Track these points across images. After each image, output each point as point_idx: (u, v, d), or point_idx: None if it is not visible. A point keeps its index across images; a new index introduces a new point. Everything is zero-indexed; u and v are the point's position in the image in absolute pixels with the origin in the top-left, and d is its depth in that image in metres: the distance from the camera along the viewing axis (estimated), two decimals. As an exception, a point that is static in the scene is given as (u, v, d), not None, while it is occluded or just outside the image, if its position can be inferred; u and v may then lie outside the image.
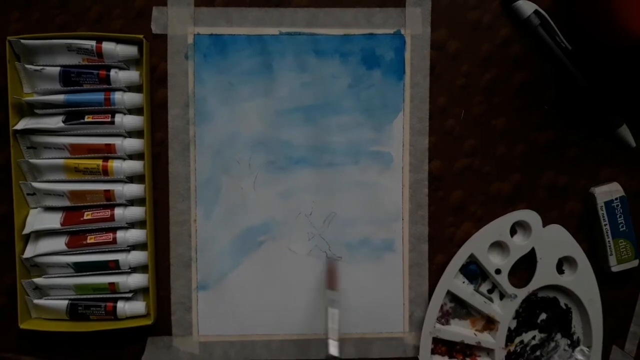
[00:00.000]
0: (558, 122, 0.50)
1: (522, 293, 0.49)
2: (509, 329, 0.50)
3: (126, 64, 0.47)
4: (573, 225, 0.50)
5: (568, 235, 0.49)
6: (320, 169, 0.49)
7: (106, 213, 0.46)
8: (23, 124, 0.45)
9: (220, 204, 0.49)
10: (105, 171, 0.46)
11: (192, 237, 0.49)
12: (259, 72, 0.48)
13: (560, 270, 0.50)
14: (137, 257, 0.47)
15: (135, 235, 0.47)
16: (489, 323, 0.50)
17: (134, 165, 0.47)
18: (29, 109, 0.46)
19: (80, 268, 0.46)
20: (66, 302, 0.47)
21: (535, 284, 0.49)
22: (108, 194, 0.46)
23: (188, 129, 0.48)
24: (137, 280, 0.47)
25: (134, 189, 0.47)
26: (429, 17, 0.48)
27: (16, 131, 0.45)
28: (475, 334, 0.50)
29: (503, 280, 0.49)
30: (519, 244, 0.49)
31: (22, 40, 0.45)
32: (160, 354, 0.49)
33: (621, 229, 0.49)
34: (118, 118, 0.46)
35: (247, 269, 0.49)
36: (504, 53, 0.49)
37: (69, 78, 0.46)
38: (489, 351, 0.50)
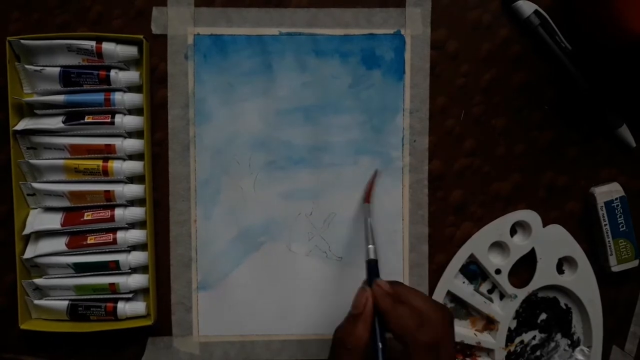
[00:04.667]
0: (558, 122, 0.50)
1: (522, 293, 0.49)
2: (509, 329, 0.50)
3: (126, 64, 0.46)
4: (573, 225, 0.50)
5: (568, 235, 0.49)
6: (320, 169, 0.49)
7: (106, 213, 0.46)
8: (23, 124, 0.45)
9: (220, 204, 0.49)
10: (105, 172, 0.46)
11: (192, 237, 0.49)
12: (259, 72, 0.48)
13: (560, 270, 0.50)
14: (138, 257, 0.47)
15: (136, 235, 0.47)
16: (489, 323, 0.50)
17: (134, 166, 0.47)
18: (29, 110, 0.46)
19: (81, 268, 0.46)
20: (66, 302, 0.47)
21: (535, 284, 0.49)
22: (108, 195, 0.46)
23: (188, 129, 0.48)
24: (137, 280, 0.47)
25: (134, 190, 0.47)
26: (429, 17, 0.48)
27: (16, 132, 0.45)
28: (475, 334, 0.50)
29: (503, 280, 0.49)
30: (519, 244, 0.49)
31: (22, 41, 0.45)
32: (161, 354, 0.49)
33: (621, 229, 0.49)
34: (118, 118, 0.46)
35: (247, 269, 0.49)
36: (504, 53, 0.49)
37: (69, 78, 0.46)
38: (489, 351, 0.50)
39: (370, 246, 0.41)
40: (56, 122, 0.45)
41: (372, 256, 0.41)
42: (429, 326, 0.37)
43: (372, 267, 0.41)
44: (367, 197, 0.47)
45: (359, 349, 0.37)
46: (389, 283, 0.39)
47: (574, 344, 0.51)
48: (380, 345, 0.37)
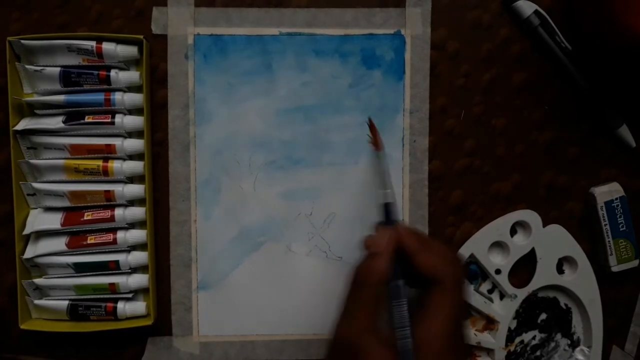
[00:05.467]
0: (558, 122, 0.50)
1: (522, 293, 0.49)
2: (509, 329, 0.50)
3: (126, 64, 0.46)
4: (573, 225, 0.50)
5: (568, 235, 0.49)
6: (320, 169, 0.49)
7: (106, 213, 0.46)
8: (23, 124, 0.45)
9: (221, 204, 0.49)
10: (106, 172, 0.46)
11: (192, 237, 0.49)
12: (259, 72, 0.48)
13: (560, 270, 0.50)
14: (138, 257, 0.47)
15: (136, 235, 0.47)
16: (489, 323, 0.50)
17: (134, 166, 0.47)
18: (29, 110, 0.46)
19: (81, 268, 0.46)
20: (66, 302, 0.47)
21: (535, 284, 0.49)
22: (108, 195, 0.46)
23: (188, 130, 0.48)
24: (137, 280, 0.47)
25: (134, 190, 0.47)
26: (429, 17, 0.48)
27: (16, 131, 0.45)
28: (475, 334, 0.50)
29: (503, 280, 0.49)
30: (519, 244, 0.49)
31: (22, 41, 0.45)
32: (161, 354, 0.49)
33: (621, 229, 0.49)
34: (118, 118, 0.46)
35: (247, 269, 0.49)
36: (504, 53, 0.49)
37: (69, 78, 0.46)
38: (489, 351, 0.50)
39: (387, 190, 0.41)
40: (56, 122, 0.45)
41: (389, 199, 0.41)
42: (455, 265, 0.38)
43: (391, 209, 0.41)
44: (378, 145, 0.45)
45: (379, 285, 0.38)
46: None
47: (574, 344, 0.51)
48: (402, 281, 0.38)
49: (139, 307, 0.47)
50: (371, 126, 0.46)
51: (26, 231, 0.46)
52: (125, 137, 0.47)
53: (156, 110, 0.48)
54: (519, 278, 0.50)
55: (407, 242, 0.39)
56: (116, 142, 0.46)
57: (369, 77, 0.49)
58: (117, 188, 0.46)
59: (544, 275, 0.49)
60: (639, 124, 0.50)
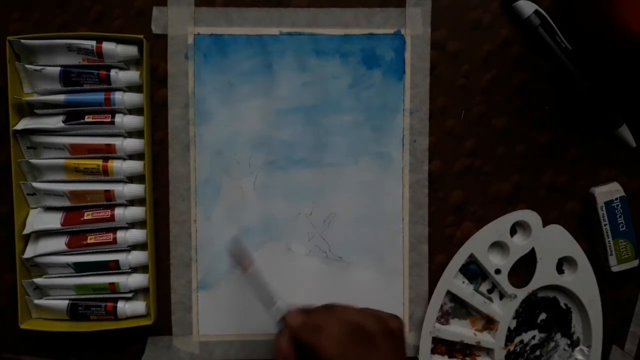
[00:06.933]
0: (558, 122, 0.50)
1: (522, 293, 0.49)
2: (509, 328, 0.50)
3: (126, 64, 0.46)
4: (573, 225, 0.50)
5: (568, 236, 0.49)
6: (320, 169, 0.49)
7: (106, 213, 0.46)
8: (23, 124, 0.45)
9: (221, 204, 0.49)
10: (106, 171, 0.46)
11: (192, 237, 0.49)
12: (259, 72, 0.48)
13: (560, 270, 0.50)
14: (137, 257, 0.47)
15: (136, 235, 0.47)
16: (489, 323, 0.50)
17: (134, 166, 0.47)
18: (29, 109, 0.46)
19: (81, 268, 0.46)
20: (66, 302, 0.47)
21: (535, 284, 0.49)
22: (108, 194, 0.46)
23: (188, 129, 0.48)
24: (137, 280, 0.47)
25: (134, 189, 0.47)
26: (429, 17, 0.48)
27: (16, 131, 0.45)
28: (475, 334, 0.50)
29: (503, 280, 0.49)
30: (519, 244, 0.49)
31: (22, 40, 0.45)
32: (161, 353, 0.49)
33: (621, 229, 0.49)
34: (118, 118, 0.46)
35: (247, 269, 0.49)
36: (504, 53, 0.49)
37: (69, 78, 0.46)
38: (489, 351, 0.50)
39: (277, 302, 0.42)
40: (56, 122, 0.45)
41: (283, 310, 0.42)
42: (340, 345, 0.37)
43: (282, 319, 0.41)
44: (246, 266, 0.45)
45: None
46: (301, 312, 0.40)
47: (573, 344, 0.51)
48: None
49: (139, 306, 0.47)
50: (238, 247, 0.46)
51: (26, 231, 0.46)
52: (125, 137, 0.47)
53: (156, 110, 0.48)
54: (519, 278, 0.50)
55: (301, 337, 0.38)
56: (116, 141, 0.46)
57: (369, 77, 0.49)
58: (117, 188, 0.46)
59: (543, 275, 0.49)
60: (639, 124, 0.50)
